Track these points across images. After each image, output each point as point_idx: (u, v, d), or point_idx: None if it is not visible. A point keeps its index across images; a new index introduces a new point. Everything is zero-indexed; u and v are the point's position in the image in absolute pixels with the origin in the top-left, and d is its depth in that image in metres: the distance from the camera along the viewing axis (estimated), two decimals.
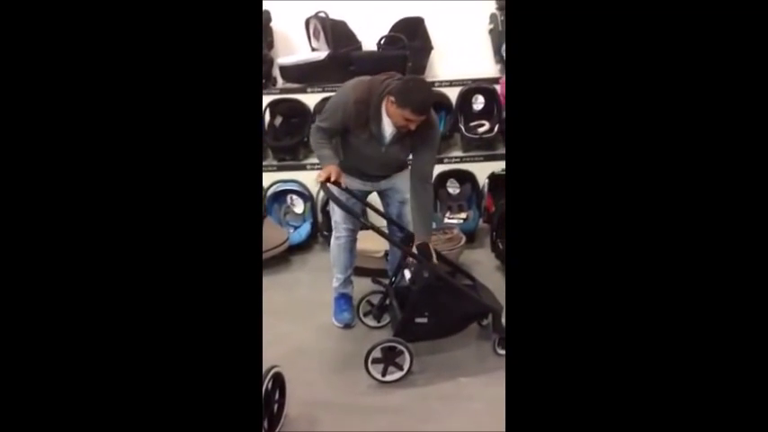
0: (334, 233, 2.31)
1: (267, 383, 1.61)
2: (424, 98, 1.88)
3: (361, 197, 2.23)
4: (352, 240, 2.31)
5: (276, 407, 1.69)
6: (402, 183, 2.16)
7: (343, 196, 2.11)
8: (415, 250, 1.97)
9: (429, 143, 2.03)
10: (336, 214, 2.25)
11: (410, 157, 2.12)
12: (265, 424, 1.62)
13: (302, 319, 2.41)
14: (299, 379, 1.91)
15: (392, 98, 1.88)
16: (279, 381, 1.71)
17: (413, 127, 1.91)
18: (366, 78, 2.01)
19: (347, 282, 2.38)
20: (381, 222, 2.31)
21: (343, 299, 2.38)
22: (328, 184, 1.95)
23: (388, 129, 1.98)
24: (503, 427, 1.66)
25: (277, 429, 1.68)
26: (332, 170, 1.95)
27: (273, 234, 2.91)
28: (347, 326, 2.32)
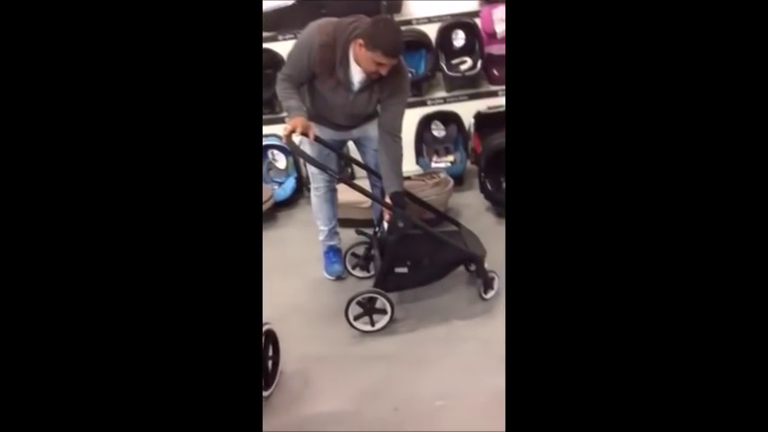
0: (312, 185, 2.27)
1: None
2: (394, 39, 1.78)
3: (336, 147, 2.17)
4: (332, 191, 2.26)
5: (270, 364, 1.71)
6: (375, 131, 2.09)
7: (315, 148, 2.04)
8: (389, 200, 1.93)
9: (398, 94, 1.94)
10: (311, 166, 2.20)
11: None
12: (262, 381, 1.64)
13: (292, 276, 2.41)
14: (293, 335, 1.93)
15: (361, 41, 1.78)
16: (271, 338, 1.72)
17: (384, 72, 1.81)
18: (332, 20, 1.89)
19: (333, 233, 2.35)
20: (363, 172, 2.26)
21: (332, 251, 2.36)
22: (294, 137, 1.87)
23: (357, 75, 1.88)
24: (496, 364, 1.70)
25: (272, 386, 1.71)
26: (298, 122, 1.86)
27: None
28: (339, 278, 2.32)
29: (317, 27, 1.87)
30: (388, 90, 1.91)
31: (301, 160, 3.16)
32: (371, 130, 2.10)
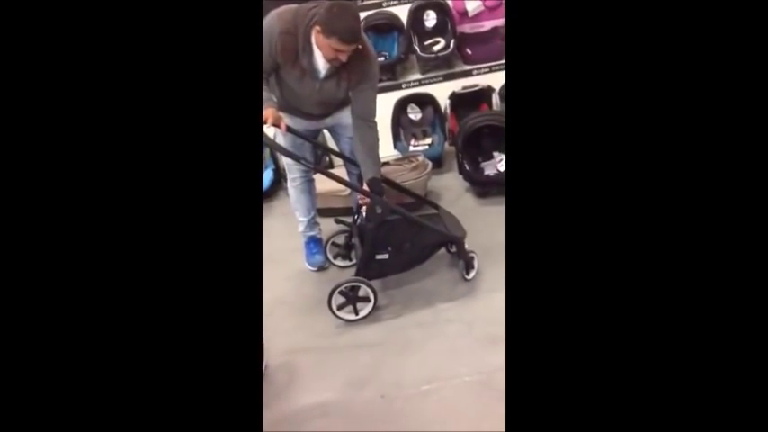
0: (288, 176, 2.25)
1: None
2: (350, 25, 1.73)
3: (309, 137, 2.13)
4: (308, 181, 2.24)
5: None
6: (348, 118, 2.06)
7: (288, 139, 2.01)
8: (366, 186, 1.91)
9: (367, 80, 1.90)
10: (286, 158, 2.16)
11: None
12: None
13: (274, 268, 2.37)
14: (276, 328, 1.92)
15: (318, 28, 1.74)
16: None
17: (344, 58, 1.78)
18: (292, 7, 1.84)
19: (312, 224, 2.33)
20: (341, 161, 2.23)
21: (313, 242, 2.34)
22: (266, 129, 1.84)
23: (321, 62, 1.85)
24: (481, 344, 1.71)
25: None
26: (269, 113, 1.82)
27: None
28: (321, 268, 2.30)
29: (277, 15, 1.82)
30: (356, 77, 1.88)
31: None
32: (344, 117, 2.07)
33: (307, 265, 2.33)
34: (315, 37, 1.78)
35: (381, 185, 1.94)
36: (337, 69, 1.85)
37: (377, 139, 2.00)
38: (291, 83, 1.91)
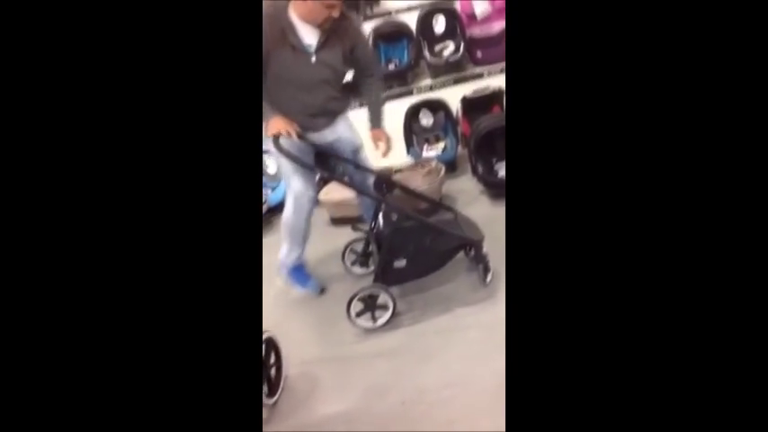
0: (293, 203, 2.05)
1: (261, 351, 1.61)
2: None
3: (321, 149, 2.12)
4: (314, 206, 2.11)
5: (273, 371, 1.70)
6: (346, 130, 2.05)
7: (302, 151, 1.97)
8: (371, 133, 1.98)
9: (358, 38, 1.94)
10: (296, 180, 1.99)
11: (348, 75, 2.04)
12: (265, 389, 1.63)
13: None
14: (294, 339, 1.92)
15: None
16: (272, 345, 1.71)
17: (336, 13, 1.77)
18: None
19: (301, 252, 2.21)
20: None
21: (301, 268, 2.24)
22: (281, 140, 1.82)
23: (308, 36, 1.83)
24: (500, 349, 1.69)
25: (278, 392, 1.70)
26: (279, 123, 1.80)
27: None
28: (322, 291, 2.25)
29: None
30: (348, 40, 1.88)
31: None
32: (343, 129, 2.06)
33: (303, 291, 2.23)
34: (296, 9, 1.78)
35: (393, 182, 1.93)
36: (327, 39, 1.83)
37: (380, 90, 2.12)
38: (286, 68, 1.85)
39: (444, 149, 3.13)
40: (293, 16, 1.79)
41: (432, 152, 3.14)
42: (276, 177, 3.19)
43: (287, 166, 1.97)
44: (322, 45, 1.85)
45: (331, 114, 2.04)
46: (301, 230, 2.12)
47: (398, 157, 3.15)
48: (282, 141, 1.84)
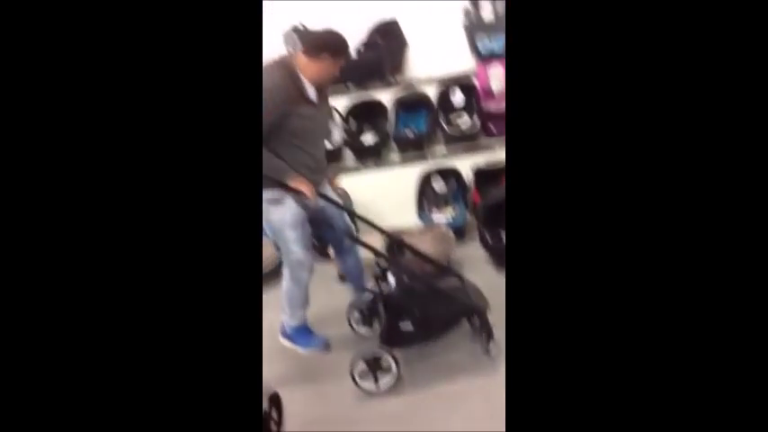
0: (292, 273, 2.10)
1: (264, 409, 1.61)
2: (336, 35, 1.85)
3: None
4: (311, 275, 2.15)
5: (275, 427, 1.70)
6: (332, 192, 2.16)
7: (296, 216, 1.98)
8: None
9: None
10: (296, 248, 2.01)
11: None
12: None
13: None
14: (296, 396, 1.92)
15: (303, 54, 1.83)
16: (276, 402, 1.71)
17: (337, 72, 1.87)
18: (268, 61, 1.89)
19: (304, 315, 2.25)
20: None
21: (305, 328, 2.26)
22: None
23: (311, 91, 1.90)
24: (503, 424, 1.69)
25: None
26: (303, 183, 1.88)
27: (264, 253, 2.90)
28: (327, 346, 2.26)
29: (268, 68, 1.84)
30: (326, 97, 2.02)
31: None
32: (329, 189, 2.15)
33: (308, 350, 2.23)
34: (305, 69, 1.84)
35: (402, 245, 1.99)
36: (320, 94, 1.92)
37: None
38: (309, 122, 1.91)
39: (454, 216, 3.22)
40: (301, 75, 1.86)
41: (441, 217, 3.22)
42: None
43: (289, 233, 2.00)
44: (318, 100, 1.95)
45: (324, 171, 2.12)
46: (302, 297, 2.17)
47: (409, 219, 3.25)
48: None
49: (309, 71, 1.85)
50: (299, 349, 2.25)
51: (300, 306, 2.20)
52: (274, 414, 1.70)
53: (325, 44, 1.80)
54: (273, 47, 3.29)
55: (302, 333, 2.26)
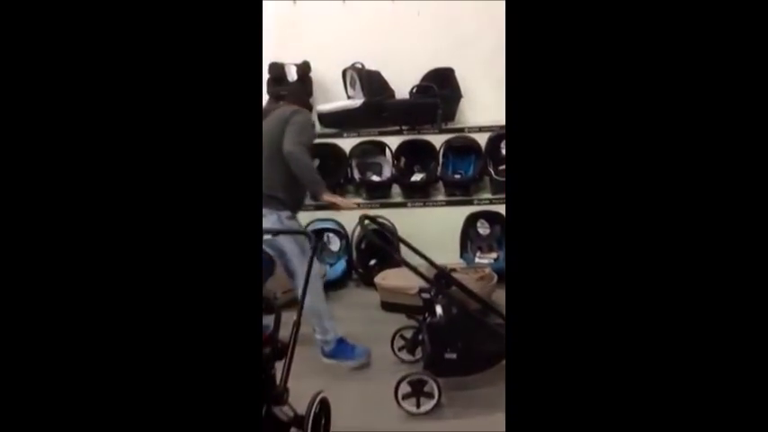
0: (315, 282, 2.25)
1: (315, 407, 1.71)
2: None
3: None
4: None
5: (323, 430, 1.79)
6: None
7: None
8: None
9: None
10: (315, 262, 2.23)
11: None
12: None
13: None
14: (341, 408, 2.00)
15: None
16: (325, 406, 1.81)
17: None
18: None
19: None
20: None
21: (344, 341, 2.42)
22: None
23: None
24: None
25: None
26: (336, 199, 2.30)
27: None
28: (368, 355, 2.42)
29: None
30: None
31: (353, 245, 3.39)
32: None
33: (355, 361, 2.39)
34: None
35: (450, 279, 2.10)
36: None
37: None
38: None
39: (496, 259, 3.31)
40: None
41: (484, 260, 3.32)
42: (337, 254, 3.42)
43: (305, 247, 2.21)
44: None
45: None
46: (326, 308, 2.35)
47: (452, 258, 3.35)
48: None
49: None
50: (347, 363, 2.37)
51: (329, 316, 2.35)
52: (322, 419, 1.79)
53: None
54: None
55: (342, 347, 2.39)
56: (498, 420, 2.01)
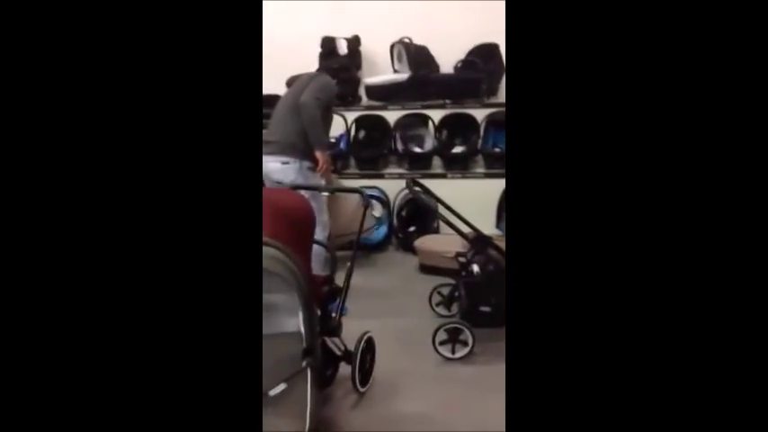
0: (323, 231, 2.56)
1: (362, 345, 1.96)
2: None
3: None
4: None
5: (368, 366, 2.04)
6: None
7: None
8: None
9: None
10: (326, 216, 2.64)
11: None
12: (359, 378, 1.96)
13: (386, 306, 2.79)
14: (385, 352, 2.25)
15: None
16: (370, 344, 2.06)
17: None
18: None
19: None
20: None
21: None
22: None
23: None
24: None
25: (368, 384, 2.03)
26: (326, 164, 2.71)
27: None
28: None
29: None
30: None
31: (394, 211, 3.61)
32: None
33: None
34: None
35: (488, 240, 2.30)
36: None
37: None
38: None
39: None
40: None
41: None
42: (380, 220, 3.65)
43: (321, 203, 2.54)
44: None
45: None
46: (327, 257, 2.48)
47: (488, 227, 3.52)
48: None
49: None
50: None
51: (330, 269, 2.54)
52: (369, 355, 2.04)
53: None
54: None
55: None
56: None
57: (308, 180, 2.61)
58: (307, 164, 2.62)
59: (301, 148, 2.58)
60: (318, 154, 2.64)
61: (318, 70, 3.58)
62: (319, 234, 2.41)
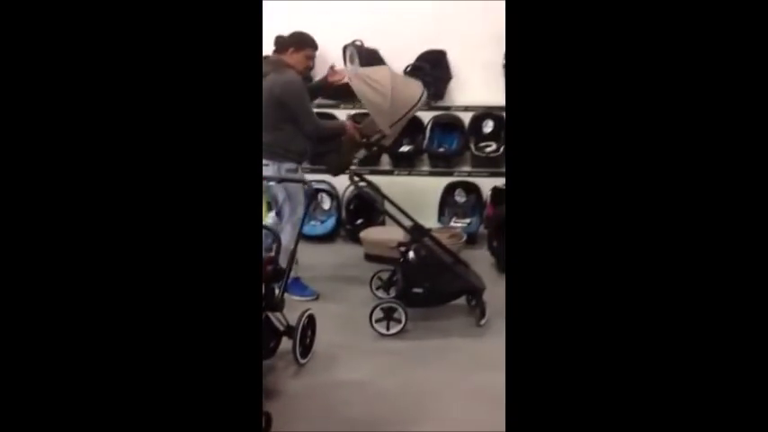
0: (293, 230, 2.60)
1: (303, 320, 2.16)
2: (310, 36, 2.78)
3: None
4: None
5: (308, 341, 2.24)
6: None
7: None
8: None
9: None
10: (301, 209, 2.66)
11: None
12: (300, 350, 2.15)
13: (330, 289, 3.02)
14: (326, 330, 2.46)
15: (291, 49, 2.73)
16: (311, 321, 2.26)
17: (312, 64, 2.77)
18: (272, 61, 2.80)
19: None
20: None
21: (299, 280, 2.88)
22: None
23: None
24: (480, 368, 2.19)
25: (308, 357, 2.23)
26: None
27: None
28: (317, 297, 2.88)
29: (293, 73, 2.73)
30: None
31: (343, 204, 3.82)
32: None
33: (303, 298, 2.80)
34: (290, 59, 2.72)
35: (425, 231, 2.54)
36: None
37: None
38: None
39: (469, 224, 3.75)
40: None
41: (458, 224, 3.76)
42: (328, 212, 3.84)
43: (301, 195, 2.66)
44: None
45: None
46: (294, 251, 2.51)
47: (430, 222, 3.78)
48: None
49: (294, 62, 2.75)
50: (296, 298, 2.81)
51: (294, 259, 2.62)
52: (309, 330, 2.25)
53: (306, 41, 2.73)
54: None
55: (296, 284, 2.83)
56: (451, 344, 2.51)
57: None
58: (286, 165, 2.72)
59: (280, 152, 2.68)
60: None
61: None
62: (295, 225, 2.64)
